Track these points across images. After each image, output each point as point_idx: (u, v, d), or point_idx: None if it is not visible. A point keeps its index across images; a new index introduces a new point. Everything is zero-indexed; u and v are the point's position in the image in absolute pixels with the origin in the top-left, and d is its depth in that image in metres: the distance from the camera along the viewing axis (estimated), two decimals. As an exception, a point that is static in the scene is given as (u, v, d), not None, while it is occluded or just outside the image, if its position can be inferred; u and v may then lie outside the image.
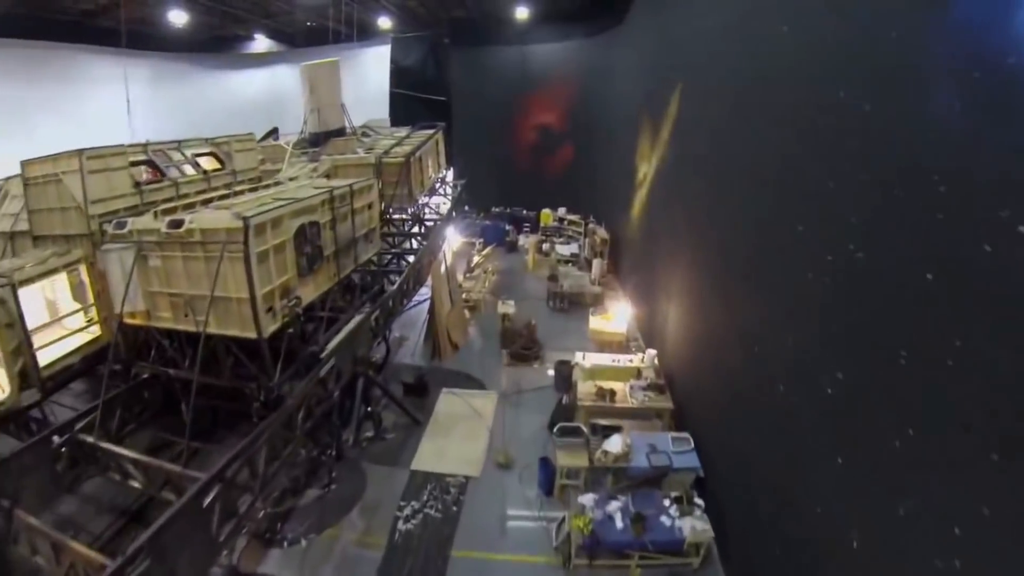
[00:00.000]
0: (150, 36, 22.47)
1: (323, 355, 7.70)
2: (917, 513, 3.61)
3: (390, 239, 13.00)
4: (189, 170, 8.64)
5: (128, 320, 6.96)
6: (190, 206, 7.80)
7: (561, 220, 21.04)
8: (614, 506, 7.00)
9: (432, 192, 15.62)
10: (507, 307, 13.91)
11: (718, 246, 8.16)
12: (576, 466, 7.94)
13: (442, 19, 22.19)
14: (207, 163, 9.18)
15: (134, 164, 7.79)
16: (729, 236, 7.69)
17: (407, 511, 8.04)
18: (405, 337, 13.61)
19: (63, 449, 6.75)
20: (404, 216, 13.89)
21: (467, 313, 14.64)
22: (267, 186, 9.46)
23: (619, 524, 6.79)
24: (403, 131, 15.43)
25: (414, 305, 12.44)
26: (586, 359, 10.45)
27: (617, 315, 13.26)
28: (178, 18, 19.92)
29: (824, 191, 4.88)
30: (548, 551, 7.32)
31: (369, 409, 9.85)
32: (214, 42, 26.03)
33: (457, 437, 9.82)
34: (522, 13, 19.92)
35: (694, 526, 6.73)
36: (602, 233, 17.61)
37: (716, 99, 8.43)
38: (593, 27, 19.19)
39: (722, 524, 6.90)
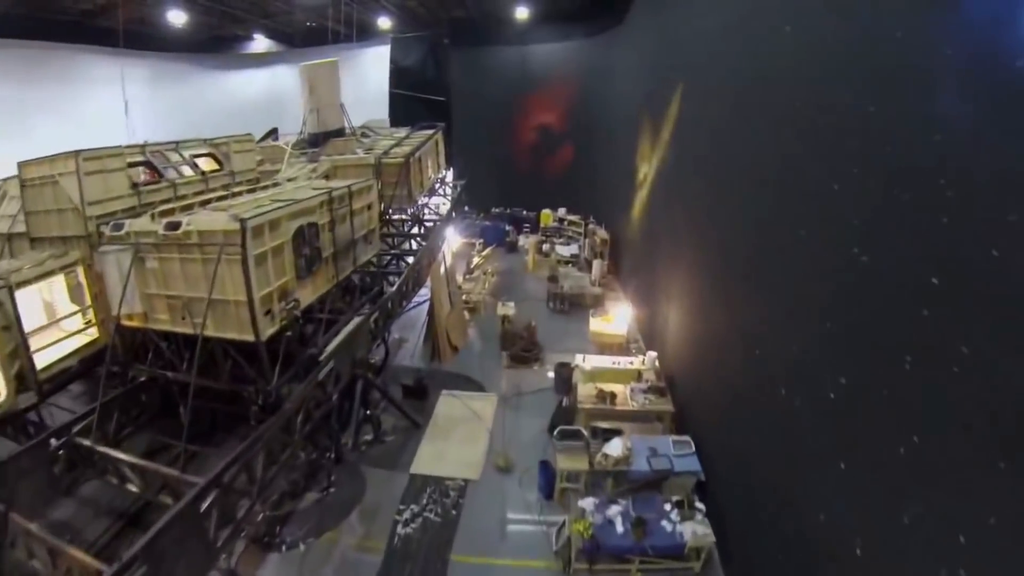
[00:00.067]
0: (149, 36, 22.42)
1: (322, 358, 7.66)
2: (921, 521, 3.56)
3: (389, 240, 12.97)
4: (187, 171, 8.60)
5: (125, 322, 6.92)
6: (188, 207, 7.76)
7: (561, 221, 21.00)
8: (614, 510, 6.95)
9: (432, 193, 15.59)
10: (507, 308, 13.86)
11: (719, 247, 8.12)
12: (576, 469, 7.89)
13: (442, 19, 22.15)
14: (205, 164, 9.14)
15: (132, 165, 7.75)
16: (730, 237, 7.65)
17: (406, 515, 8.00)
18: (404, 339, 13.56)
19: (60, 452, 6.73)
20: (404, 217, 13.87)
21: (467, 315, 14.60)
22: (265, 187, 9.42)
23: (619, 529, 6.74)
24: (403, 131, 15.40)
25: (413, 306, 12.40)
26: (586, 361, 10.40)
27: (617, 317, 13.21)
28: (177, 18, 19.88)
29: (827, 192, 4.84)
30: (548, 556, 7.28)
31: (368, 412, 9.81)
32: (213, 42, 25.98)
33: (457, 440, 9.77)
34: (522, 13, 19.88)
35: (695, 531, 6.68)
36: (602, 234, 17.56)
37: (717, 99, 8.39)
38: (593, 27, 19.15)
39: (723, 528, 6.86)
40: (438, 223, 14.08)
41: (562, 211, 21.06)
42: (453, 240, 16.65)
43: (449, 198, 16.84)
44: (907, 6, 3.95)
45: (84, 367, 7.61)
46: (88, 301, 7.47)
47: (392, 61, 24.82)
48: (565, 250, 18.99)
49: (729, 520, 6.91)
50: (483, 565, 7.26)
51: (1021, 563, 2.84)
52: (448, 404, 10.84)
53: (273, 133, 17.28)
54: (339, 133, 13.55)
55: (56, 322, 7.56)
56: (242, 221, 5.95)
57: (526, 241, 20.74)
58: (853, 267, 4.38)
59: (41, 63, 19.69)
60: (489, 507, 8.22)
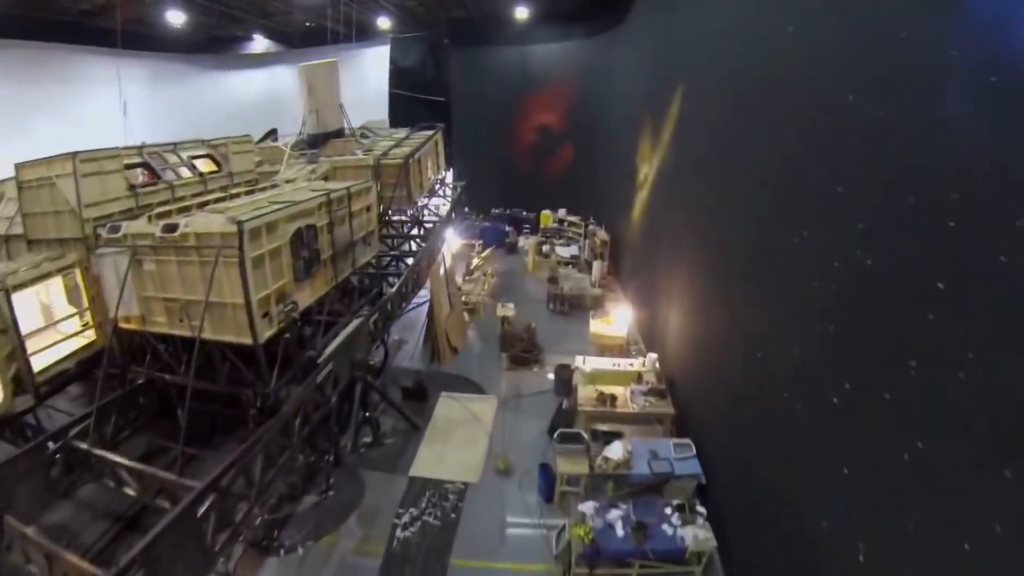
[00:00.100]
0: (148, 37, 22.37)
1: (320, 360, 7.62)
2: (926, 528, 3.52)
3: (389, 241, 12.92)
4: (185, 172, 8.57)
5: (123, 325, 6.89)
6: (186, 209, 7.72)
7: (561, 221, 20.95)
8: (615, 514, 6.90)
9: (431, 193, 15.54)
10: (507, 310, 13.81)
11: (720, 248, 8.07)
12: (576, 473, 7.84)
13: (441, 19, 22.10)
14: (203, 165, 9.11)
15: (129, 167, 7.72)
16: (731, 238, 7.60)
17: (405, 518, 7.96)
18: (404, 340, 13.52)
19: (57, 455, 6.69)
20: (403, 218, 13.83)
21: (466, 316, 14.56)
22: (264, 189, 9.38)
23: (620, 533, 6.70)
24: (402, 132, 15.36)
25: (413, 308, 12.34)
26: (586, 363, 10.36)
27: (618, 318, 13.17)
28: (176, 18, 19.83)
29: (831, 194, 4.79)
30: (548, 559, 7.24)
31: (367, 414, 9.77)
32: (212, 42, 25.93)
33: (456, 443, 9.73)
34: (522, 13, 19.82)
35: (696, 535, 6.63)
36: (602, 235, 17.51)
37: (719, 99, 8.34)
38: (593, 27, 19.11)
39: (724, 532, 6.81)
40: (438, 224, 14.04)
41: (562, 212, 21.01)
42: (453, 241, 16.63)
43: (449, 199, 16.79)
44: (912, 6, 3.90)
45: (82, 369, 7.58)
46: (85, 303, 7.44)
47: (392, 61, 24.76)
48: (565, 251, 18.94)
49: (730, 523, 6.86)
50: (483, 569, 7.22)
51: (1027, 572, 2.80)
52: (448, 406, 10.80)
53: (272, 134, 17.27)
54: (338, 134, 13.50)
55: (53, 324, 7.53)
56: (239, 223, 5.91)
57: (526, 242, 20.70)
58: (856, 269, 4.34)
59: (40, 63, 19.65)
60: (489, 510, 8.18)
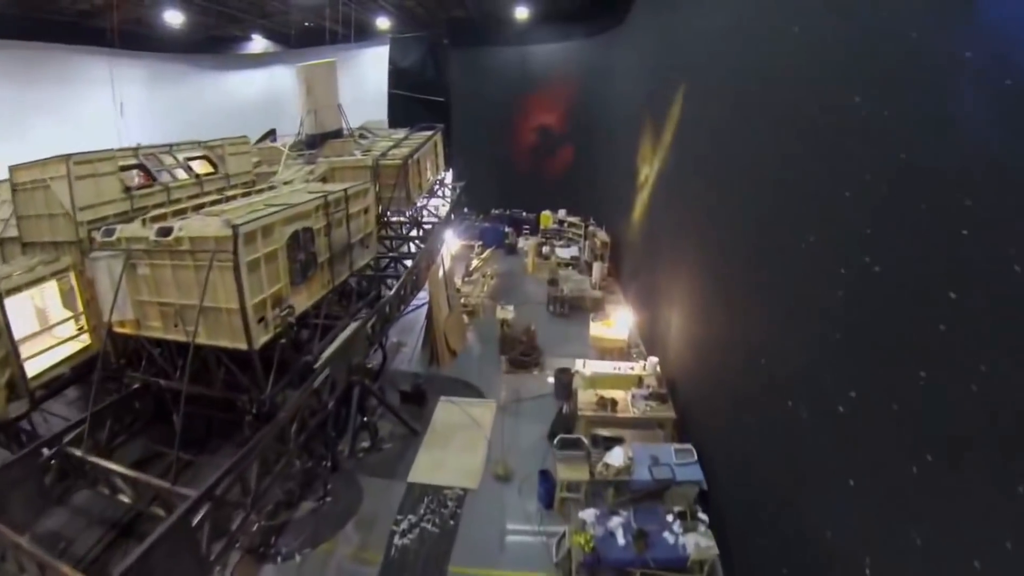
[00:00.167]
0: (146, 37, 22.29)
1: (317, 365, 7.54)
2: (935, 543, 3.43)
3: (387, 243, 12.84)
4: (181, 174, 8.49)
5: (117, 329, 6.82)
6: (181, 212, 7.63)
7: (561, 222, 20.85)
8: (616, 522, 6.82)
9: (431, 194, 15.46)
10: (506, 312, 13.69)
11: (722, 251, 7.98)
12: (577, 479, 7.76)
13: (441, 19, 22.01)
14: (200, 167, 9.02)
15: (124, 168, 7.63)
16: (733, 241, 7.51)
17: (404, 525, 7.86)
18: (402, 343, 13.43)
19: (52, 462, 6.62)
20: (402, 219, 13.74)
21: (465, 318, 14.47)
22: (261, 190, 9.29)
23: (621, 541, 6.62)
24: (401, 132, 15.28)
25: (412, 310, 12.26)
26: (587, 366, 10.28)
27: (618, 321, 13.08)
28: (174, 18, 19.74)
29: (839, 200, 4.70)
30: (548, 567, 7.16)
31: (365, 419, 9.68)
32: (210, 43, 25.85)
33: (455, 448, 9.63)
34: (522, 13, 19.74)
35: (698, 543, 6.55)
36: (603, 236, 17.43)
37: (720, 100, 8.25)
38: (593, 27, 19.02)
39: (726, 540, 6.73)
40: (437, 225, 13.95)
41: (562, 213, 20.91)
42: (452, 242, 16.53)
43: (448, 200, 16.70)
44: (925, 6, 3.81)
45: (76, 374, 7.51)
46: (80, 307, 7.35)
47: (391, 61, 24.67)
48: (565, 252, 18.84)
49: (732, 531, 6.77)
50: (482, 577, 7.15)
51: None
52: (447, 411, 10.70)
53: (271, 134, 17.17)
54: (337, 134, 13.43)
55: (48, 329, 7.43)
56: (234, 227, 5.83)
57: (526, 243, 20.60)
58: (867, 278, 4.24)
59: (38, 64, 19.57)
60: (488, 517, 8.08)
